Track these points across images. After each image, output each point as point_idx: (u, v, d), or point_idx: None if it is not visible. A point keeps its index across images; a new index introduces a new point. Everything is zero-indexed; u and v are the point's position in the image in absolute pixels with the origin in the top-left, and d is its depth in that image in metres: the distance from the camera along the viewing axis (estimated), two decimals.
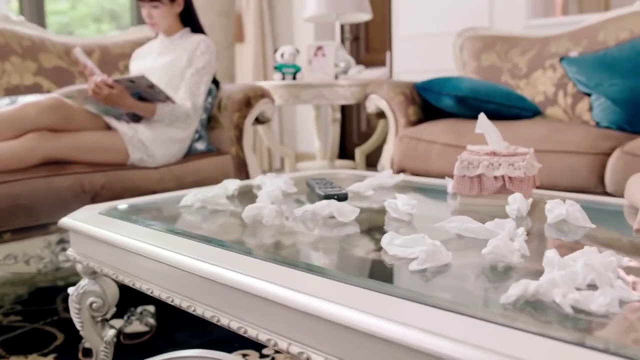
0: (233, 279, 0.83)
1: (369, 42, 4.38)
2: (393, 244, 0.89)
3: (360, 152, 3.06)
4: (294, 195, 1.37)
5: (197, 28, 2.30)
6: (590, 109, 2.31)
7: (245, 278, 0.82)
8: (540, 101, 2.59)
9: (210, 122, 2.30)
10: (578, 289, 0.70)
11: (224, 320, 0.86)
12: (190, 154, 2.17)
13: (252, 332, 0.82)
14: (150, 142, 2.01)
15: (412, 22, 3.69)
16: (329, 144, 3.10)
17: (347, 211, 1.10)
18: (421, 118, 2.54)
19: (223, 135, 2.25)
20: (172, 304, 0.95)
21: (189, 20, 2.28)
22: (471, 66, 2.83)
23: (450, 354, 0.57)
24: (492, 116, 2.31)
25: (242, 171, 2.24)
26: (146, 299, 1.83)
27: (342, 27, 4.58)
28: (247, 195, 1.41)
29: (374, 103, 2.59)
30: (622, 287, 0.69)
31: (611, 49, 2.36)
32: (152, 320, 1.73)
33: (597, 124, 2.25)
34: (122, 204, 1.35)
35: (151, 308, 1.80)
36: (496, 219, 0.98)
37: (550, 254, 0.76)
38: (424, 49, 3.58)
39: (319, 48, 2.78)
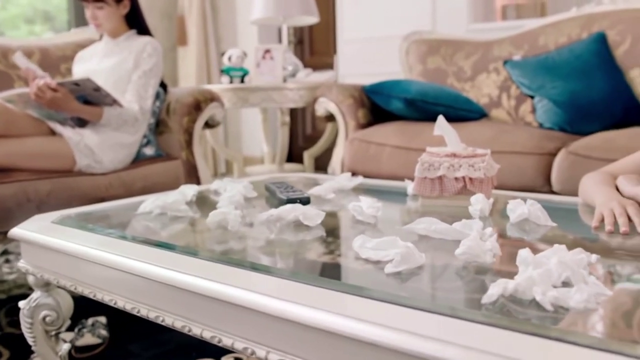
0: (205, 287, 0.81)
1: (313, 46, 4.39)
2: (365, 247, 0.89)
3: (308, 156, 3.05)
4: (254, 200, 1.36)
5: (143, 30, 2.24)
6: (534, 110, 2.38)
7: (219, 286, 0.80)
8: (485, 103, 2.65)
9: (158, 126, 2.25)
10: (554, 287, 0.71)
11: (196, 330, 0.83)
12: (138, 159, 2.12)
13: (227, 341, 0.80)
14: (97, 147, 1.95)
15: (356, 26, 3.72)
16: (276, 147, 3.08)
17: (313, 215, 1.10)
18: (370, 121, 2.56)
19: (172, 140, 2.20)
20: (139, 314, 0.92)
21: (135, 22, 2.22)
22: (417, 69, 2.87)
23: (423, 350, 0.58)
24: None
25: (192, 176, 2.19)
26: (97, 309, 1.76)
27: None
28: (205, 201, 1.39)
29: (324, 106, 2.59)
30: (595, 283, 0.71)
31: (552, 53, 2.44)
32: (104, 332, 1.67)
33: (540, 125, 2.32)
34: (76, 212, 1.30)
35: (103, 319, 1.74)
36: (463, 219, 0.99)
37: (524, 253, 0.77)
38: (369, 52, 3.61)
39: (267, 51, 2.76)
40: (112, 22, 2.14)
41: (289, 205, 1.12)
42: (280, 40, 4.44)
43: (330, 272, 0.88)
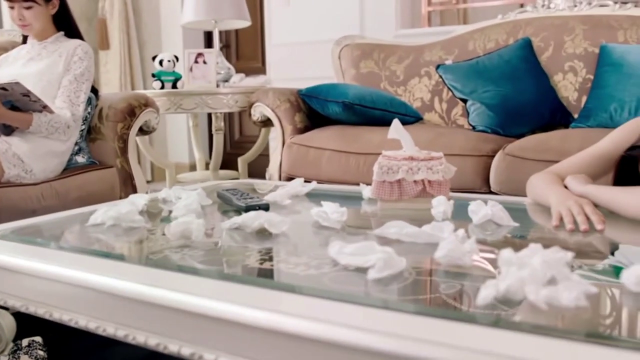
0: (183, 301, 0.77)
1: (239, 50, 4.35)
2: (343, 253, 0.88)
3: (242, 161, 3.01)
4: (207, 208, 1.31)
5: (72, 32, 2.13)
6: (466, 114, 2.45)
7: (197, 299, 0.76)
8: (418, 107, 2.70)
9: (90, 133, 2.15)
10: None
11: (173, 347, 0.79)
12: (70, 168, 2.01)
13: (208, 357, 0.76)
14: (26, 156, 1.84)
15: (285, 30, 3.71)
16: (206, 153, 3.03)
17: (278, 222, 1.07)
18: (307, 125, 2.55)
19: (106, 147, 2.11)
20: (104, 334, 0.87)
21: (64, 24, 2.11)
22: (350, 73, 2.89)
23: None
24: (378, 122, 2.41)
25: (128, 185, 2.11)
26: (33, 329, 1.66)
27: (210, 34, 4.50)
28: (156, 210, 1.33)
29: (259, 111, 2.56)
30: (578, 280, 0.73)
31: (482, 58, 2.52)
32: (42, 353, 1.57)
33: (474, 128, 2.38)
34: (16, 226, 1.21)
35: (39, 339, 1.64)
36: (433, 222, 1.00)
37: (506, 253, 0.78)
38: (299, 56, 3.61)
39: (200, 55, 2.70)
40: (40, 23, 2.03)
41: (252, 213, 1.09)
42: (206, 45, 4.37)
43: (306, 281, 0.86)
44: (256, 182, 1.90)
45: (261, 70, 4.04)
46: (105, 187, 2.01)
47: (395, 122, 1.34)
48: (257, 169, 3.57)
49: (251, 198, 1.27)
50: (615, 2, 2.49)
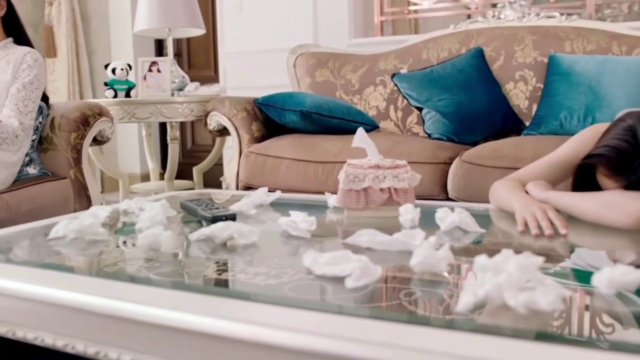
0: (164, 316, 0.75)
1: (191, 58, 4.30)
2: (319, 263, 0.88)
3: (197, 171, 2.97)
4: (173, 219, 1.29)
5: (21, 38, 2.07)
6: (421, 122, 2.48)
7: (178, 315, 0.74)
8: (374, 115, 2.72)
9: (42, 143, 2.08)
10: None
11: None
12: (21, 180, 1.94)
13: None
14: None
15: (238, 39, 3.69)
16: (159, 163, 2.98)
17: (247, 232, 1.06)
18: (264, 134, 2.54)
19: (59, 158, 2.05)
20: (73, 352, 0.84)
21: (13, 29, 2.04)
22: (306, 82, 2.90)
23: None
24: (335, 130, 2.42)
25: (82, 196, 2.05)
26: None
27: (161, 42, 4.44)
28: (119, 222, 1.30)
29: (216, 120, 2.54)
30: (552, 284, 0.75)
31: (436, 67, 2.56)
32: None
33: (429, 136, 2.41)
34: None
35: None
36: (404, 230, 1.00)
37: (482, 259, 0.79)
38: (253, 65, 3.59)
39: (154, 63, 2.66)
40: None
41: (221, 224, 1.07)
42: (157, 53, 4.30)
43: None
44: (214, 192, 1.88)
45: (214, 78, 4.01)
46: (59, 199, 1.95)
47: (360, 131, 1.35)
48: (211, 179, 3.53)
49: (217, 208, 1.25)
50: (562, 14, 2.57)
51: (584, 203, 1.17)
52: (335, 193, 1.51)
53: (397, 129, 2.70)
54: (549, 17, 2.59)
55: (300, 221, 1.11)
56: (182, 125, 4.38)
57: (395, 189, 1.25)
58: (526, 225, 1.12)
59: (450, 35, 2.74)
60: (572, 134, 2.10)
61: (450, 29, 2.78)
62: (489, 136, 2.39)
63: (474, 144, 2.33)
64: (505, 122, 2.43)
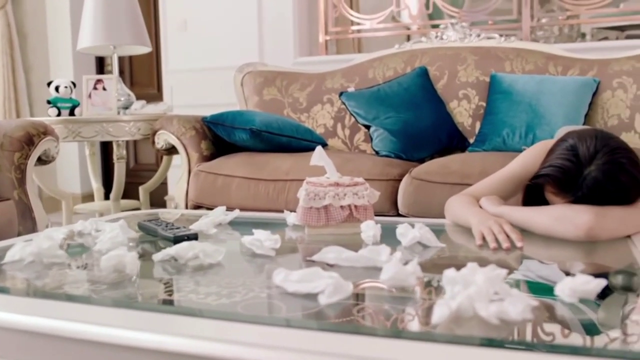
0: (133, 337, 0.74)
1: (134, 76, 4.24)
2: (290, 281, 0.88)
3: (144, 190, 2.92)
4: (131, 240, 1.27)
5: None
6: (369, 139, 2.53)
7: (147, 335, 0.74)
8: (321, 133, 2.75)
9: None
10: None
11: None
12: None
13: None
14: None
15: (182, 56, 3.67)
16: (108, 183, 2.92)
17: (212, 252, 1.06)
18: (214, 152, 2.52)
19: (2, 179, 1.98)
20: None
21: None
22: (253, 100, 2.90)
23: None
24: (285, 148, 2.43)
25: (27, 218, 1.99)
26: None
27: (102, 59, 4.35)
28: (75, 244, 1.27)
29: (164, 139, 2.51)
30: (519, 294, 0.78)
31: (383, 86, 2.62)
32: None
33: (377, 153, 2.46)
34: None
35: None
36: (369, 246, 1.02)
37: (450, 273, 0.82)
38: (198, 83, 3.57)
39: (99, 81, 2.60)
40: None
41: (186, 244, 1.07)
42: (98, 70, 4.22)
43: (253, 309, 0.85)
44: (164, 212, 1.85)
45: (157, 96, 3.97)
46: (2, 221, 1.88)
47: (319, 149, 1.37)
48: (155, 198, 3.47)
49: (177, 228, 1.24)
50: (501, 36, 2.68)
51: (536, 217, 1.23)
52: (290, 211, 1.53)
53: (344, 146, 2.74)
54: (488, 38, 2.69)
55: (265, 239, 1.12)
56: (125, 144, 4.30)
57: (356, 206, 1.27)
58: (484, 239, 1.16)
59: (395, 54, 2.81)
60: (515, 150, 2.21)
61: (395, 49, 2.85)
62: (434, 153, 2.45)
63: (421, 160, 2.39)
64: (450, 139, 2.51)
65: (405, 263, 0.89)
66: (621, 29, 3.74)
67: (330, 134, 2.76)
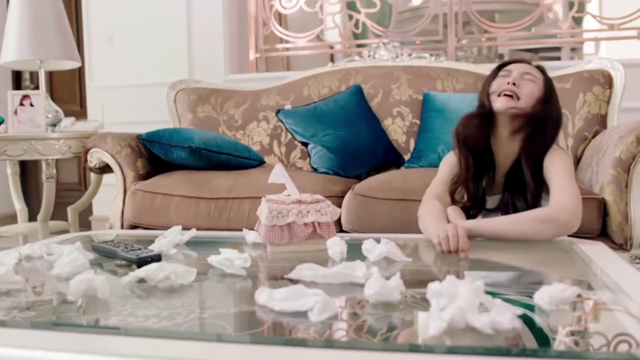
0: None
1: (54, 92, 4.07)
2: (274, 299, 0.88)
3: (72, 211, 2.80)
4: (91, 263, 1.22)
5: None
6: (307, 156, 2.55)
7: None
8: (258, 150, 2.75)
9: None
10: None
11: None
12: None
13: None
14: None
15: (109, 73, 3.56)
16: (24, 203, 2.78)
17: (183, 272, 1.05)
18: (149, 171, 2.46)
19: None
20: None
21: None
22: (188, 118, 2.86)
23: None
24: (224, 166, 2.42)
25: None
26: None
27: (19, 74, 4.17)
28: (29, 269, 1.20)
29: (97, 157, 2.42)
30: (503, 304, 0.82)
31: (319, 103, 2.65)
32: None
33: (315, 170, 2.48)
34: None
35: None
36: (344, 262, 1.04)
37: (435, 286, 0.85)
38: (126, 100, 3.48)
39: (25, 97, 2.49)
40: None
41: (155, 265, 1.04)
42: (14, 86, 4.03)
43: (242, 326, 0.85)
44: (99, 234, 1.79)
45: (81, 113, 3.82)
46: None
47: (278, 167, 1.38)
48: (80, 218, 3.33)
49: (139, 249, 1.21)
50: (431, 55, 2.79)
51: (508, 226, 1.35)
52: (235, 230, 1.53)
53: (280, 163, 2.74)
54: (419, 57, 2.79)
55: (234, 258, 1.11)
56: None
57: (319, 223, 1.28)
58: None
59: (330, 72, 2.85)
60: None
61: (329, 67, 2.90)
62: (371, 169, 2.51)
63: (358, 177, 2.44)
64: (386, 156, 2.57)
65: (388, 278, 0.91)
66: (535, 51, 3.97)
67: (267, 151, 2.76)
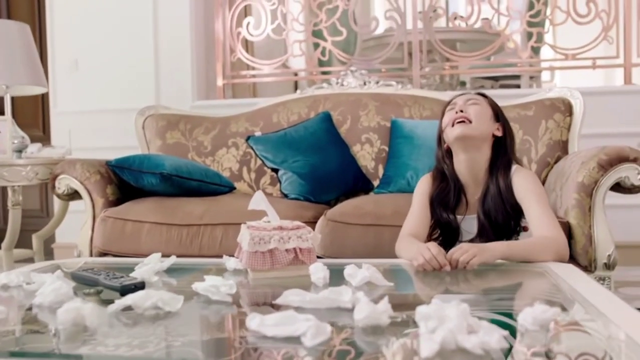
0: None
1: (16, 117, 3.98)
2: (266, 325, 0.90)
3: (38, 238, 2.75)
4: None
5: None
6: (279, 183, 2.57)
7: None
8: (227, 177, 2.75)
9: None
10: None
11: None
12: None
13: None
14: None
15: (74, 98, 3.53)
16: None
17: (170, 299, 1.05)
18: (119, 197, 2.44)
19: None
20: None
21: None
22: (156, 144, 2.85)
23: None
24: (195, 192, 2.42)
25: None
26: None
27: None
28: (7, 299, 1.19)
29: (66, 183, 2.39)
30: (490, 325, 0.85)
31: (289, 130, 2.68)
32: None
33: (286, 196, 2.50)
34: None
35: None
36: (329, 287, 1.06)
37: (423, 309, 0.88)
38: (92, 125, 3.45)
39: None
40: None
41: (142, 292, 1.05)
42: None
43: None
44: (68, 262, 1.75)
45: (43, 138, 3.76)
46: None
47: (259, 194, 1.40)
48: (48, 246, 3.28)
49: (121, 277, 1.21)
50: (398, 83, 2.86)
51: (514, 249, 1.44)
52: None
53: (250, 190, 2.76)
54: (387, 85, 2.86)
55: (220, 285, 1.12)
56: (4, 189, 4.02)
57: (300, 249, 1.30)
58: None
59: (299, 99, 2.89)
60: None
61: (297, 94, 2.94)
62: (341, 195, 2.54)
63: (328, 202, 2.47)
64: (355, 182, 2.61)
65: (376, 302, 0.93)
66: (495, 79, 4.10)
67: (236, 177, 2.76)
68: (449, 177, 1.73)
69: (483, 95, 1.83)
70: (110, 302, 1.04)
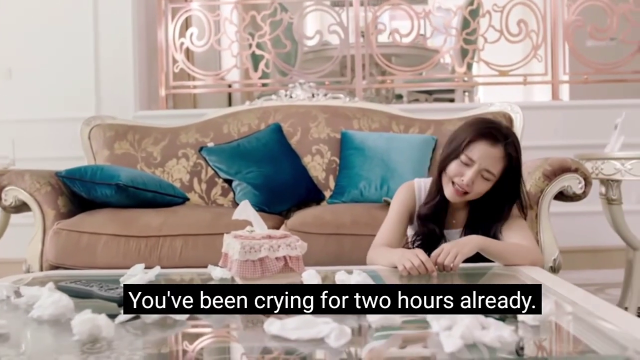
0: None
1: None
2: (287, 329, 0.94)
3: None
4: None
5: None
6: (233, 193, 2.59)
7: None
8: (178, 187, 2.74)
9: None
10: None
11: None
12: None
13: None
14: None
15: (7, 107, 3.40)
16: None
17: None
18: (71, 209, 2.38)
19: None
20: None
21: None
22: (104, 155, 2.79)
23: None
24: (150, 204, 2.40)
25: None
26: None
27: None
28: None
29: (13, 195, 2.31)
30: (497, 322, 0.93)
31: (242, 141, 2.70)
32: None
33: None
34: None
35: None
36: None
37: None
38: (27, 135, 3.32)
39: None
40: None
41: None
42: None
43: None
44: (16, 278, 1.70)
45: None
46: None
47: (245, 203, 1.42)
48: None
49: (116, 288, 1.21)
50: (346, 96, 2.94)
51: (490, 243, 1.54)
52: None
53: (201, 200, 2.75)
54: (335, 97, 2.93)
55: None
56: None
57: (290, 257, 1.34)
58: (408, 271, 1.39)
59: (249, 111, 2.92)
60: (373, 201, 2.43)
61: (247, 105, 2.97)
62: (293, 205, 2.59)
63: (280, 213, 2.51)
64: (308, 192, 2.66)
65: None
66: (429, 92, 4.28)
67: (187, 188, 2.75)
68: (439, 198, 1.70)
69: (515, 147, 1.67)
70: (114, 316, 1.04)
